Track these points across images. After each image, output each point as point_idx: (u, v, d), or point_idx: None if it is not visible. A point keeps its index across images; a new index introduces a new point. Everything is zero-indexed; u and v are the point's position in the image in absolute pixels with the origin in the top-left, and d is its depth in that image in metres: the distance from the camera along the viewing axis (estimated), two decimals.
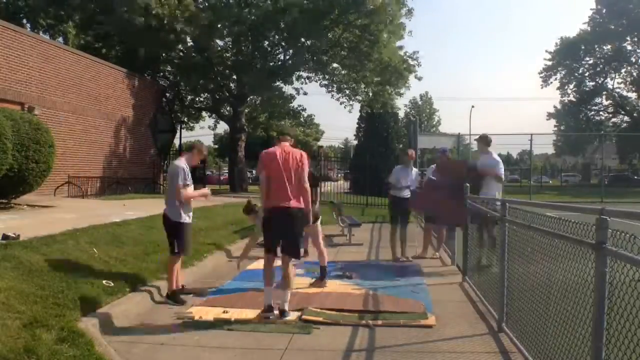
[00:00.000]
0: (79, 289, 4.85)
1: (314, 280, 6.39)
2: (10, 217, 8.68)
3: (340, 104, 26.30)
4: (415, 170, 8.58)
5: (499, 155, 7.96)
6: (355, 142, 42.36)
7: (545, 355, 3.36)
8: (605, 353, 2.57)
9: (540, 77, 46.19)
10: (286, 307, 4.92)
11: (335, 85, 25.57)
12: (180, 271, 5.80)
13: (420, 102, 69.54)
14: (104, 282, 5.21)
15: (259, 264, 7.64)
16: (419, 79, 25.40)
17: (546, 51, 45.96)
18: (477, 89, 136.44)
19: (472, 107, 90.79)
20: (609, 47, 43.56)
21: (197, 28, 20.76)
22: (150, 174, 21.79)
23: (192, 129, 31.14)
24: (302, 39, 23.34)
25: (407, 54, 24.79)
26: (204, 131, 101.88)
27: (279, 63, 24.62)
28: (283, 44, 24.00)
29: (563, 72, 45.52)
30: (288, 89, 26.73)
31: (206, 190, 6.57)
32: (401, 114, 49.34)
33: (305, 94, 31.00)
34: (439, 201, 7.17)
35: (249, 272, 7.02)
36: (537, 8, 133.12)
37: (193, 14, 20.44)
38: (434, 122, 70.32)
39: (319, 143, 56.66)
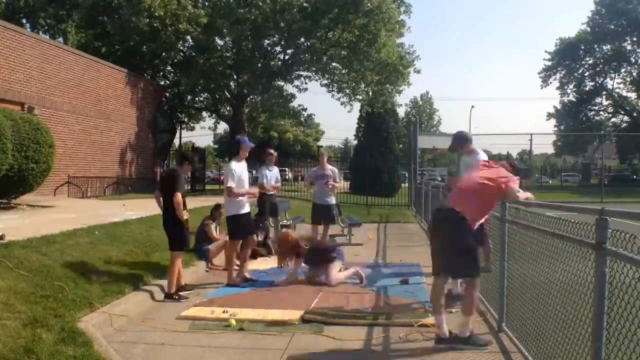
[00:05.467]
0: (78, 289, 4.86)
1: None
2: (9, 217, 8.68)
3: (341, 104, 26.24)
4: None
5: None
6: (355, 142, 42.32)
7: (545, 355, 3.36)
8: (605, 353, 2.57)
9: (540, 77, 46.25)
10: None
11: (335, 85, 25.51)
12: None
13: (420, 102, 69.62)
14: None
15: (258, 265, 7.67)
16: (418, 71, 25.00)
17: (546, 51, 46.05)
18: (477, 89, 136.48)
19: (472, 107, 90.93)
20: (608, 47, 43.54)
21: (198, 27, 20.74)
22: (150, 174, 21.77)
23: (192, 129, 31.03)
24: (302, 39, 23.31)
25: (405, 49, 24.73)
26: (204, 131, 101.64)
27: (279, 62, 24.60)
28: (283, 43, 23.96)
29: (563, 72, 45.49)
30: (288, 88, 26.73)
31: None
32: (401, 113, 49.47)
33: (305, 89, 30.82)
34: None
35: (249, 273, 7.00)
36: (537, 8, 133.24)
37: (193, 14, 20.41)
38: (434, 122, 70.42)
39: (319, 143, 56.69)
